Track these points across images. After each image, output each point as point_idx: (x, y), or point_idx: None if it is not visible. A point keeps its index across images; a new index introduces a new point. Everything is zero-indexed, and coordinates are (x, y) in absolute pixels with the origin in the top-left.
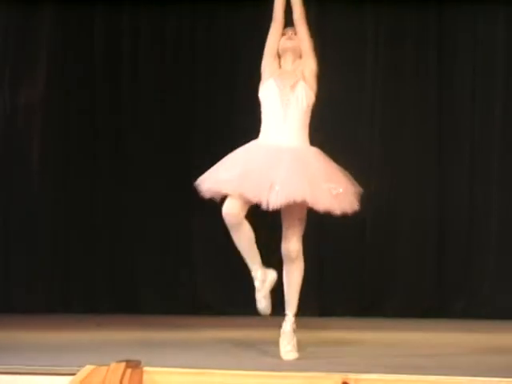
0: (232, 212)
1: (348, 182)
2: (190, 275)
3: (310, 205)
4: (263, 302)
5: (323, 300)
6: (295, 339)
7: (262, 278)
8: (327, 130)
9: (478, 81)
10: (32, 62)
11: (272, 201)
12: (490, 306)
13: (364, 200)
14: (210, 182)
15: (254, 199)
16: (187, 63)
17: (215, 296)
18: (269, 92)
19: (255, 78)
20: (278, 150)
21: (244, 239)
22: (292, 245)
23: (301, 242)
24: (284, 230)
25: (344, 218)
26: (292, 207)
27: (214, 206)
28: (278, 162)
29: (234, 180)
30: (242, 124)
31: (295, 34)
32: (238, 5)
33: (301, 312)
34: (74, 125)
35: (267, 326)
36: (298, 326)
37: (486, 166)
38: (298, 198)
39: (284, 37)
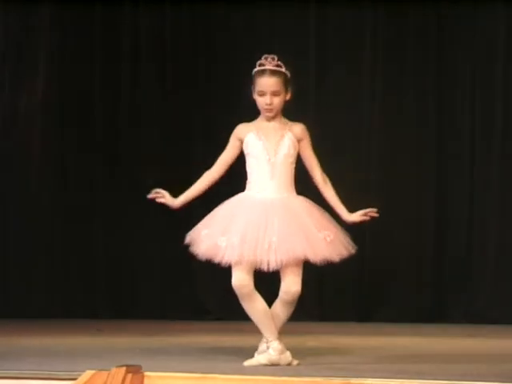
0: (243, 283)
1: (337, 227)
2: (190, 281)
3: (310, 259)
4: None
5: (323, 305)
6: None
7: (280, 349)
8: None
9: (478, 80)
10: (31, 61)
11: (272, 261)
12: (490, 311)
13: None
14: (207, 247)
15: (257, 264)
16: (188, 62)
17: (215, 301)
18: (252, 146)
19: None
20: (269, 206)
21: (257, 311)
22: (293, 288)
23: (300, 286)
24: (283, 275)
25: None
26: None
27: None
28: (272, 220)
29: (235, 247)
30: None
31: (277, 92)
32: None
33: (301, 317)
34: (74, 125)
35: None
36: (299, 331)
37: (486, 167)
38: (299, 256)
39: (262, 99)
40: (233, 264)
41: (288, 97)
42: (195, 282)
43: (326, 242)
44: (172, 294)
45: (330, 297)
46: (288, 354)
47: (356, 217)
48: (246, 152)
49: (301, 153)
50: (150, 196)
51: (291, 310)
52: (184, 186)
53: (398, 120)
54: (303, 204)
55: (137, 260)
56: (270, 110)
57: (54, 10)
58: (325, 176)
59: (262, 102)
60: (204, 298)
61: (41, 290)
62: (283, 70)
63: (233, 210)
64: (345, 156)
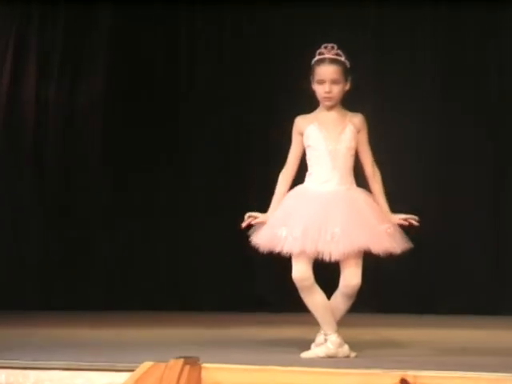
0: (304, 276)
1: (393, 221)
2: (250, 272)
3: (372, 250)
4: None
5: (381, 297)
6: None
7: (339, 343)
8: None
9: None
10: (91, 62)
11: (334, 253)
12: None
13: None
14: (267, 238)
15: (318, 255)
16: (244, 66)
17: (275, 293)
18: (313, 137)
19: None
20: (331, 198)
21: (316, 304)
22: (353, 281)
23: (360, 279)
24: (343, 268)
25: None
26: (353, 252)
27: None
28: (334, 211)
29: (297, 239)
30: None
31: (337, 80)
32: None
33: (359, 309)
34: (133, 125)
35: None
36: (357, 323)
37: None
38: (362, 247)
39: (321, 88)
40: (293, 256)
41: (347, 87)
42: (255, 274)
43: (387, 234)
44: (232, 286)
45: (387, 289)
46: (346, 347)
47: (395, 219)
48: (306, 144)
49: (358, 142)
50: (244, 224)
51: (351, 302)
52: (239, 183)
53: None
54: (363, 196)
55: (196, 252)
56: (330, 99)
57: (114, 10)
58: (376, 169)
59: (321, 90)
60: (263, 290)
61: (100, 282)
62: (342, 58)
63: (294, 201)
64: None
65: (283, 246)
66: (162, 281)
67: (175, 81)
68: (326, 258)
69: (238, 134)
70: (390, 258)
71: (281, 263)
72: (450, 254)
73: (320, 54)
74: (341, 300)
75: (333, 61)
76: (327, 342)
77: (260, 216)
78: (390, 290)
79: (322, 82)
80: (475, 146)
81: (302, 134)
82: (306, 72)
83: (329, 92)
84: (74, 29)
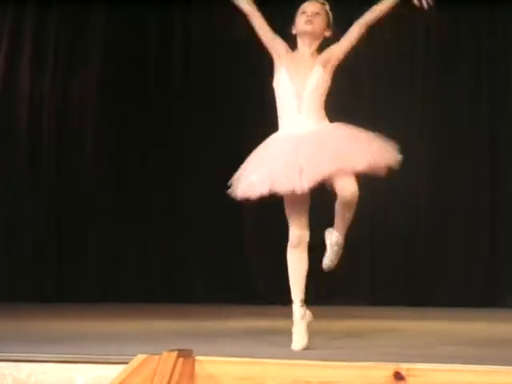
0: (299, 240)
1: (381, 139)
2: (242, 265)
3: (349, 168)
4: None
5: (375, 289)
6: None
7: (302, 314)
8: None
9: None
10: (85, 61)
11: (304, 181)
12: None
13: (418, 189)
14: (242, 186)
15: (289, 190)
16: (239, 64)
17: (267, 286)
18: (281, 81)
19: None
20: (298, 137)
21: (296, 271)
22: (350, 187)
23: (356, 185)
24: (335, 184)
25: (396, 205)
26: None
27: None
28: (300, 146)
29: (265, 180)
30: None
31: (318, 13)
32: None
33: (353, 301)
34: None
35: (317, 317)
36: (351, 315)
37: None
38: (330, 170)
39: (302, 16)
40: (289, 221)
41: (328, 33)
42: (248, 267)
43: (367, 151)
44: (224, 279)
45: (381, 281)
46: (309, 316)
47: None
48: (274, 85)
49: (340, 51)
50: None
51: (352, 210)
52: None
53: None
54: (337, 127)
55: (189, 244)
56: (310, 22)
57: (108, 9)
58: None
59: (302, 17)
60: (256, 283)
61: (92, 273)
62: (327, 7)
63: (264, 150)
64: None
65: (254, 189)
66: (155, 273)
67: (170, 79)
68: (298, 190)
69: (233, 131)
70: (383, 248)
71: (273, 255)
72: (445, 246)
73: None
74: (342, 208)
75: (318, 1)
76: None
77: None
78: (384, 283)
79: (304, 11)
80: (473, 141)
81: (278, 55)
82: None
83: (310, 16)
84: (67, 26)
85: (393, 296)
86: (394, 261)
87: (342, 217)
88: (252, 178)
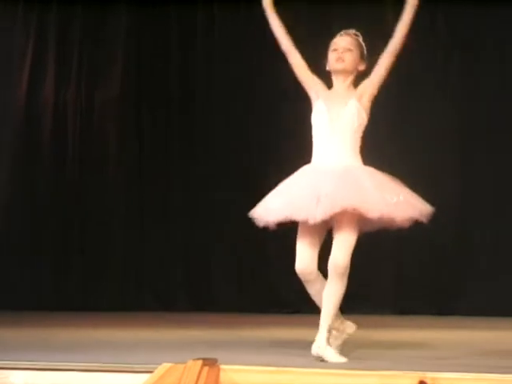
0: (306, 271)
1: (411, 193)
2: (267, 274)
3: (362, 212)
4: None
5: (400, 298)
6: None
7: (341, 328)
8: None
9: None
10: (108, 61)
11: (319, 212)
12: None
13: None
14: (260, 211)
15: (302, 218)
16: (263, 65)
17: (292, 294)
18: (318, 114)
19: None
20: (324, 169)
21: (318, 294)
22: (339, 260)
23: (349, 258)
24: (333, 243)
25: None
26: (340, 219)
27: None
28: (324, 178)
29: (283, 207)
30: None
31: (350, 49)
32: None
33: (378, 311)
34: (148, 124)
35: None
36: (376, 324)
37: None
38: (346, 204)
39: (334, 54)
40: (297, 246)
41: (362, 66)
42: (272, 275)
43: (386, 201)
44: (249, 287)
45: (407, 290)
46: (350, 328)
47: None
48: (312, 117)
49: (372, 86)
50: None
51: (336, 286)
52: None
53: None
54: (367, 170)
55: (212, 253)
56: (341, 59)
57: (130, 10)
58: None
59: (333, 54)
60: (281, 291)
61: (116, 283)
62: (360, 39)
63: (291, 180)
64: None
65: (272, 215)
66: (181, 282)
67: (191, 80)
68: (311, 220)
69: (251, 132)
70: (408, 257)
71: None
72: (469, 255)
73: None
74: (331, 282)
75: (350, 35)
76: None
77: None
78: (409, 292)
79: (335, 48)
80: (498, 152)
81: (316, 93)
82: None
83: (342, 53)
84: (91, 31)
85: (417, 305)
86: (419, 269)
87: (331, 291)
88: (271, 205)
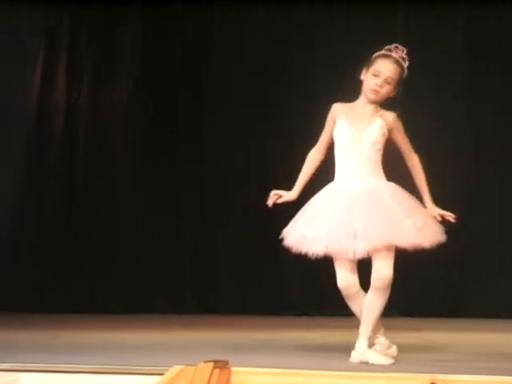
0: (347, 283)
1: (429, 214)
2: (276, 276)
3: (398, 245)
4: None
5: (410, 300)
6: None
7: (387, 345)
8: None
9: None
10: (118, 63)
11: (358, 250)
12: None
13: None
14: (295, 239)
15: (341, 255)
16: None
17: (301, 297)
18: (339, 131)
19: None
20: (354, 195)
21: (360, 309)
22: (382, 274)
23: (392, 270)
24: (373, 263)
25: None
26: (379, 248)
27: (301, 205)
28: (357, 208)
29: (321, 239)
30: None
31: (389, 83)
32: None
33: (387, 312)
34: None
35: (353, 328)
36: (385, 326)
37: None
38: (385, 242)
39: (373, 79)
40: (335, 263)
41: (392, 94)
42: (281, 278)
43: (415, 228)
44: (258, 289)
45: (416, 291)
46: (393, 351)
47: (434, 211)
48: (334, 136)
49: (394, 140)
50: (270, 202)
51: (385, 297)
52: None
53: None
54: (391, 190)
55: (221, 255)
56: (376, 93)
57: (143, 11)
58: (414, 159)
59: (371, 81)
60: (290, 294)
61: (124, 285)
62: (405, 65)
63: (320, 201)
64: None
65: (309, 247)
66: (190, 283)
67: (205, 80)
68: (351, 256)
69: (267, 133)
70: (420, 252)
71: (307, 266)
72: (479, 256)
73: (387, 50)
74: (373, 295)
75: (397, 62)
76: (376, 344)
77: (285, 194)
78: (419, 294)
79: (377, 74)
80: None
81: (334, 122)
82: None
83: (380, 86)
84: (102, 33)
85: (426, 307)
86: (428, 271)
87: (373, 304)
88: (307, 233)
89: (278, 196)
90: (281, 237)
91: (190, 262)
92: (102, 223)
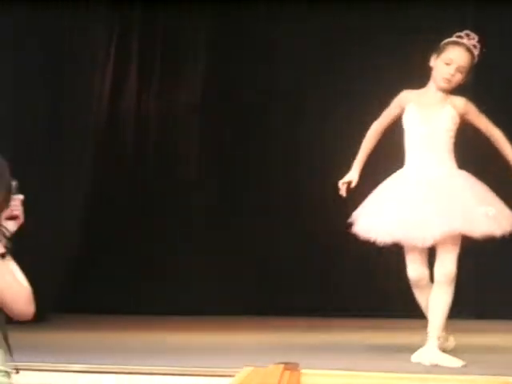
0: (418, 275)
1: (501, 202)
2: (344, 277)
3: (467, 233)
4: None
5: (480, 302)
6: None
7: (445, 337)
8: None
9: None
10: (191, 65)
11: (427, 237)
12: None
13: None
14: (363, 227)
15: (412, 243)
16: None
17: (369, 298)
18: (410, 118)
19: None
20: (425, 181)
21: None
22: (447, 268)
23: (456, 265)
24: (438, 253)
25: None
26: (446, 237)
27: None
28: (427, 194)
29: (392, 229)
30: None
31: (462, 72)
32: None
33: (458, 315)
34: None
35: (420, 328)
36: (457, 328)
37: None
38: (454, 230)
39: (445, 68)
40: (406, 254)
41: (463, 82)
42: (349, 278)
43: (487, 217)
44: (327, 291)
45: (487, 294)
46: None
47: None
48: (404, 125)
49: (470, 123)
50: (344, 193)
51: (450, 292)
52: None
53: None
54: (463, 178)
55: (292, 256)
56: (449, 82)
57: (213, 10)
58: (498, 133)
59: (444, 70)
60: (359, 295)
61: (192, 287)
62: (476, 53)
63: (389, 187)
64: None
65: (377, 235)
66: (263, 285)
67: (272, 78)
68: (419, 243)
69: (317, 138)
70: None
71: (374, 269)
72: None
73: (458, 37)
74: (439, 291)
75: (468, 50)
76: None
77: (348, 179)
78: (492, 296)
79: (449, 63)
80: None
81: (401, 109)
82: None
83: (452, 75)
84: (173, 32)
85: (498, 309)
86: (499, 273)
87: (439, 299)
88: (375, 221)
89: (347, 184)
90: (349, 221)
91: (256, 263)
92: (173, 225)
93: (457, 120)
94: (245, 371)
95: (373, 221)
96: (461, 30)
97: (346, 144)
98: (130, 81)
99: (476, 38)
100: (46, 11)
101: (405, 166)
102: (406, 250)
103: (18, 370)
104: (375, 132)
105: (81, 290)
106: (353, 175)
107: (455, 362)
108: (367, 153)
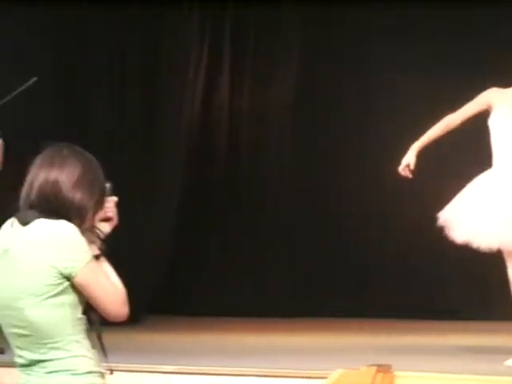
0: None
1: None
2: (438, 279)
3: None
4: None
5: None
6: None
7: None
8: None
9: None
10: (282, 64)
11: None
12: None
13: None
14: (462, 233)
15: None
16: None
17: (465, 300)
18: (500, 118)
19: None
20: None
21: None
22: None
23: None
24: None
25: None
26: None
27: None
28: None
29: (492, 235)
30: None
31: None
32: None
33: None
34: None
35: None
36: None
37: None
38: None
39: None
40: (507, 257)
41: None
42: (442, 281)
43: None
44: (419, 293)
45: None
46: None
47: None
48: (491, 124)
49: None
50: (408, 174)
51: None
52: None
53: None
54: None
55: (375, 259)
56: None
57: (303, 9)
58: None
59: None
60: (452, 297)
61: (281, 289)
62: None
63: (480, 189)
64: None
65: (480, 241)
66: (340, 288)
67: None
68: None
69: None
70: None
71: (463, 271)
72: None
73: None
74: None
75: None
76: None
77: (406, 162)
78: None
79: None
80: None
81: (488, 107)
82: None
83: None
84: (264, 31)
85: None
86: None
87: None
88: (476, 227)
89: (408, 167)
90: (439, 224)
91: (338, 267)
92: (265, 227)
93: None
94: (337, 373)
95: (471, 228)
96: None
97: None
98: (223, 80)
99: None
100: (140, 13)
101: (493, 168)
102: (507, 253)
103: (112, 371)
104: (448, 122)
105: (175, 292)
106: (409, 157)
107: None
108: (430, 139)
